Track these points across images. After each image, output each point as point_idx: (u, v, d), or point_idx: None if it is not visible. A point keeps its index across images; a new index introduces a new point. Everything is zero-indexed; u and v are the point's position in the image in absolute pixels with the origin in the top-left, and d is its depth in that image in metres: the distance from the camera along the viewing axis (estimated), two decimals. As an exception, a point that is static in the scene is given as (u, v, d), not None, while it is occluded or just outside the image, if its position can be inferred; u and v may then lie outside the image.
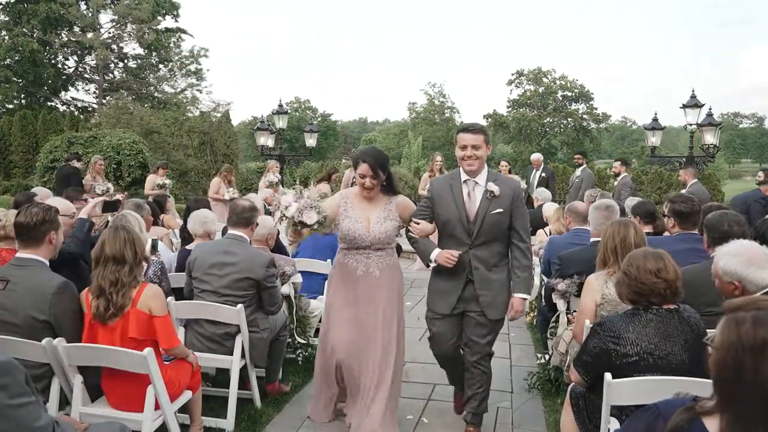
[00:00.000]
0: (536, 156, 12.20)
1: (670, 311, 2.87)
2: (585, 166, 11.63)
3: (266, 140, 14.88)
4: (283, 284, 5.02)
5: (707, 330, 2.73)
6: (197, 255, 4.40)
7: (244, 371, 4.42)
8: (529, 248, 4.04)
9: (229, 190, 11.09)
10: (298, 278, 5.14)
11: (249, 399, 4.55)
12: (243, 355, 4.31)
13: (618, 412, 2.88)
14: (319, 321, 5.90)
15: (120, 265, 3.31)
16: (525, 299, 4.00)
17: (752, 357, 1.36)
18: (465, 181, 3.93)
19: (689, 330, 2.82)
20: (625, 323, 2.86)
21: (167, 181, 11.60)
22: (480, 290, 3.90)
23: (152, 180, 11.60)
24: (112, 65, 32.73)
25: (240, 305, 4.15)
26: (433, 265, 3.98)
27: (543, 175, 11.66)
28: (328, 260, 6.07)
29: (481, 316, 3.93)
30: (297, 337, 5.15)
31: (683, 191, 8.89)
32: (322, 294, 6.04)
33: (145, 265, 3.68)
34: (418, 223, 3.98)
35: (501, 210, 3.85)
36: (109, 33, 31.51)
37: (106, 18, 31.64)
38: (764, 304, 1.43)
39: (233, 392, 4.21)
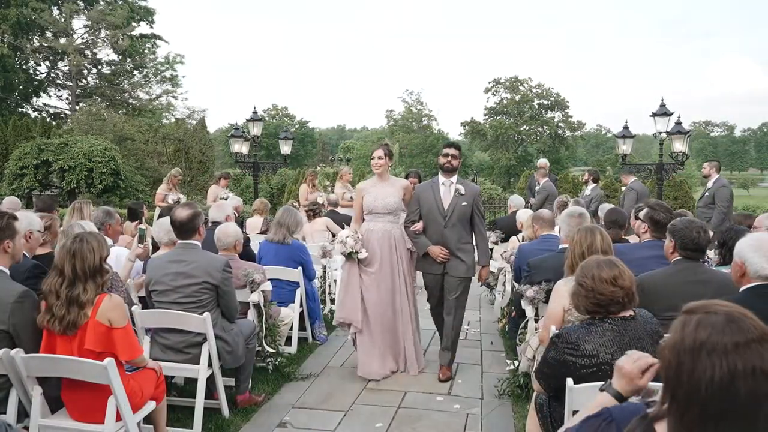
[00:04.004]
0: (543, 161, 12.21)
1: (626, 319, 2.85)
2: (596, 185, 11.31)
3: (241, 147, 14.74)
4: (252, 292, 4.98)
5: (665, 334, 2.75)
6: (151, 271, 4.36)
7: (212, 381, 4.36)
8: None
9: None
10: (267, 286, 5.09)
11: (217, 409, 4.49)
12: (210, 364, 4.25)
13: (580, 417, 2.89)
14: (290, 329, 5.89)
15: (61, 278, 3.25)
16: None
17: (690, 358, 1.37)
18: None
19: (646, 336, 2.82)
20: (582, 334, 2.84)
21: (230, 194, 10.73)
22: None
23: (214, 192, 10.91)
24: (86, 71, 32.29)
25: (206, 313, 4.10)
26: None
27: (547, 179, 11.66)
28: (299, 268, 6.04)
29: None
30: (266, 345, 5.10)
31: (708, 185, 9.42)
32: (293, 302, 6.02)
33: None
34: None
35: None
36: (83, 39, 31.11)
37: (79, 23, 31.24)
38: (716, 308, 1.43)
39: (200, 401, 4.15)
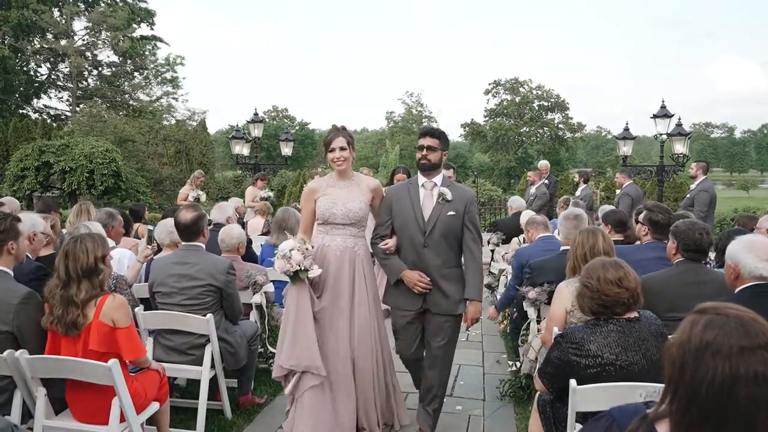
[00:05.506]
0: (543, 163, 12.30)
1: (630, 321, 2.86)
2: (586, 185, 11.53)
3: (242, 149, 14.76)
4: (254, 293, 4.99)
5: (669, 336, 2.76)
6: (154, 273, 4.36)
7: (215, 382, 4.37)
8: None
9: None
10: (270, 287, 5.09)
11: (220, 410, 4.50)
12: (213, 366, 4.26)
13: (584, 418, 2.90)
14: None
15: (58, 279, 3.26)
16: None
17: (694, 357, 1.37)
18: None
19: (650, 337, 2.83)
20: (587, 334, 2.84)
21: (270, 194, 10.86)
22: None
23: (252, 192, 10.96)
24: (86, 73, 32.32)
25: (209, 315, 4.11)
26: None
27: (546, 182, 11.71)
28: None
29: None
30: (269, 347, 5.10)
31: (692, 186, 9.32)
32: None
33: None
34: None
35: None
36: (83, 40, 31.14)
37: (80, 25, 31.28)
38: (727, 310, 1.43)
39: (202, 403, 4.16)
